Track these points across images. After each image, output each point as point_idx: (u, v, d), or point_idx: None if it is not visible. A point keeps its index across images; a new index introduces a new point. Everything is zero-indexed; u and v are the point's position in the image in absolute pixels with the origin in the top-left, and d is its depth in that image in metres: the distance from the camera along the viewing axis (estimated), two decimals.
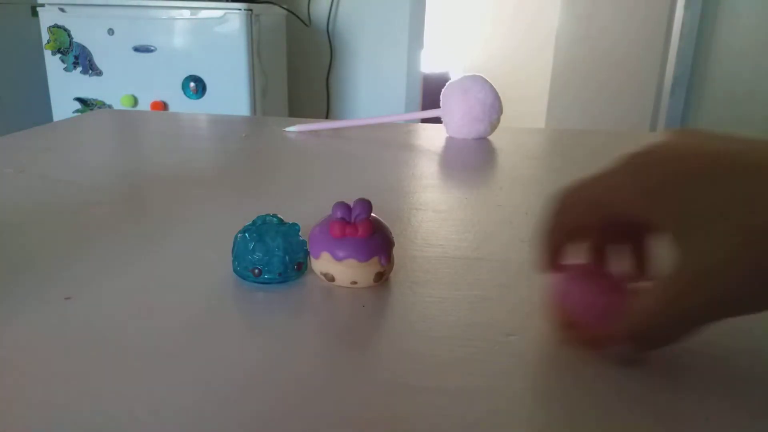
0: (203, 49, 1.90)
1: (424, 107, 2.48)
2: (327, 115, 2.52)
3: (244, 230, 0.36)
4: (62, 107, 1.98)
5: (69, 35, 1.92)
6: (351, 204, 0.35)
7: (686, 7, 2.43)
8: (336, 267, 0.34)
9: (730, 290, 0.23)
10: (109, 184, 0.56)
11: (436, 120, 0.84)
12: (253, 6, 1.88)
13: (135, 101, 1.97)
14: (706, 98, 2.49)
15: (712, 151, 0.24)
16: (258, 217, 0.36)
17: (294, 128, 0.83)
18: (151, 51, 1.91)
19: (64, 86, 1.97)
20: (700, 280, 0.24)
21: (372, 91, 2.50)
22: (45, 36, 1.92)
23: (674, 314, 0.25)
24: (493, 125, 0.80)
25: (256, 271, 0.34)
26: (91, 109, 1.97)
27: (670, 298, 0.25)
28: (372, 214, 0.35)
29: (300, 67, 2.48)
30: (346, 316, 0.32)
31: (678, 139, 0.26)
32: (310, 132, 0.83)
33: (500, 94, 0.81)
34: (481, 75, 0.81)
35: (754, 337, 0.30)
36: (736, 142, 0.25)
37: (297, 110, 2.52)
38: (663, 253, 0.26)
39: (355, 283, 0.35)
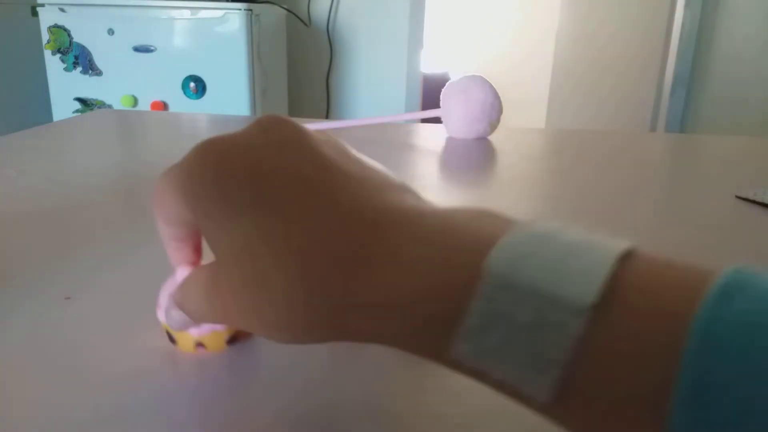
0: (203, 49, 1.90)
1: (424, 107, 2.48)
2: (327, 115, 2.52)
3: None
4: (62, 107, 1.98)
5: (69, 35, 1.92)
6: None
7: (686, 7, 2.43)
8: None
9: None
10: (109, 184, 0.56)
11: (436, 120, 0.84)
12: (253, 6, 1.88)
13: (135, 101, 1.97)
14: (706, 98, 2.49)
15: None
16: None
17: None
18: (151, 51, 1.91)
19: (64, 86, 1.97)
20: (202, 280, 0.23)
21: (372, 91, 2.50)
22: (45, 36, 1.92)
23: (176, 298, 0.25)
24: (493, 125, 0.80)
25: None
26: (91, 109, 1.97)
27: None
28: None
29: (300, 67, 2.48)
30: None
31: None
32: None
33: (500, 94, 0.81)
34: (481, 75, 0.81)
35: None
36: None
37: (297, 110, 2.52)
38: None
39: None
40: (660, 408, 0.14)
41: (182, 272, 0.27)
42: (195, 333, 0.27)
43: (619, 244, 0.16)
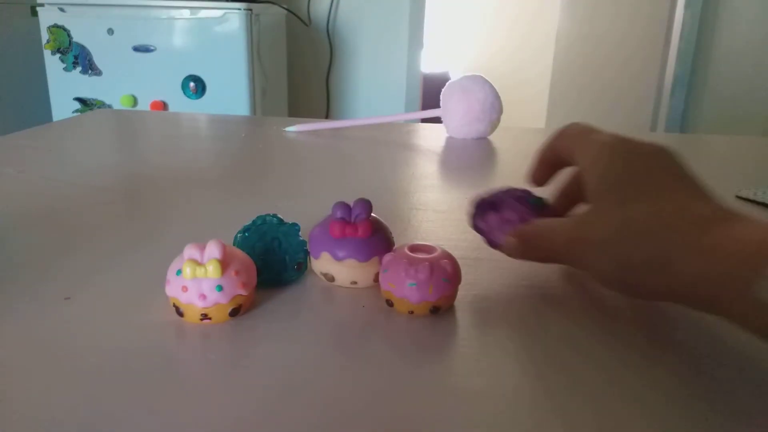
0: (203, 49, 1.90)
1: (424, 107, 2.48)
2: (327, 115, 2.52)
3: (244, 230, 0.36)
4: (62, 107, 1.98)
5: (69, 35, 1.92)
6: (351, 204, 0.35)
7: (686, 7, 2.43)
8: (336, 267, 0.34)
9: (587, 255, 0.29)
10: (108, 184, 0.56)
11: (436, 120, 0.84)
12: (253, 6, 1.88)
13: (135, 101, 1.97)
14: (706, 98, 2.49)
15: (677, 178, 0.29)
16: (258, 217, 0.36)
17: (294, 128, 0.83)
18: (151, 51, 1.91)
19: (64, 86, 1.97)
20: (570, 234, 0.30)
21: (372, 91, 2.50)
22: (45, 36, 1.92)
23: (537, 242, 0.32)
24: (493, 125, 0.80)
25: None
26: (91, 109, 1.97)
27: (538, 232, 0.32)
28: (372, 214, 0.35)
29: (300, 67, 2.48)
30: (346, 316, 0.32)
31: (670, 158, 0.30)
32: (310, 132, 0.83)
33: (500, 94, 0.81)
34: (481, 75, 0.81)
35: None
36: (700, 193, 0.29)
37: (297, 110, 2.52)
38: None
39: (355, 283, 0.34)
40: None
41: (189, 250, 0.30)
42: (200, 305, 0.30)
43: None
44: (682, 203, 0.27)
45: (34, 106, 2.12)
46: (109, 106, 1.98)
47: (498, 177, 0.64)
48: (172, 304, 0.31)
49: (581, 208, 0.33)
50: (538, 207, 0.35)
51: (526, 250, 0.33)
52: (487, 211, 0.36)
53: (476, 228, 0.37)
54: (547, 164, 0.35)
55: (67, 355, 0.27)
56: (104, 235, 0.43)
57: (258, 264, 0.33)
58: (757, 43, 2.26)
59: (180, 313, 0.31)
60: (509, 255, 0.34)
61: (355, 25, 2.42)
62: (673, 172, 0.29)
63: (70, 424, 0.23)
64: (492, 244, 0.36)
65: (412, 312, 0.32)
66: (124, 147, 0.75)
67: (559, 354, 0.29)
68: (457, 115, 0.79)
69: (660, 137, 0.89)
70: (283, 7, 2.26)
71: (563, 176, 0.37)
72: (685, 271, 0.26)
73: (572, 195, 0.36)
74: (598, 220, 0.29)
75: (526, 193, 0.36)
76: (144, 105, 1.97)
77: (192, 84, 1.91)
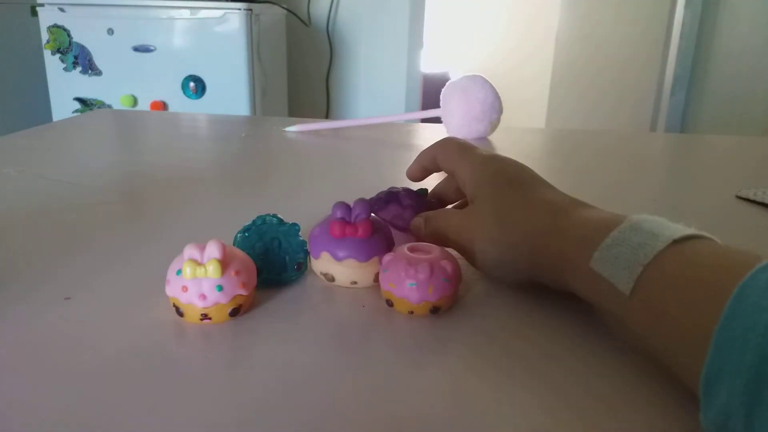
0: (203, 49, 1.90)
1: (424, 107, 2.48)
2: (327, 115, 2.52)
3: (244, 230, 0.36)
4: (62, 107, 1.98)
5: (69, 35, 1.92)
6: (351, 204, 0.35)
7: (686, 7, 2.43)
8: (336, 267, 0.34)
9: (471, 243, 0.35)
10: (108, 184, 0.56)
11: (436, 120, 0.84)
12: (253, 6, 1.88)
13: (134, 101, 1.97)
14: (706, 98, 2.49)
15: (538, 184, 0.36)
16: (258, 217, 0.36)
17: (294, 128, 0.83)
18: (151, 51, 1.91)
19: (64, 86, 1.97)
20: (458, 222, 0.36)
21: (372, 91, 2.50)
22: (45, 36, 1.92)
23: (436, 225, 0.38)
24: (493, 125, 0.80)
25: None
26: (91, 109, 1.97)
27: (437, 216, 0.38)
28: (372, 214, 0.35)
29: (300, 67, 2.48)
30: (346, 316, 0.32)
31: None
32: (310, 132, 0.83)
33: (500, 94, 0.81)
34: (481, 75, 0.81)
35: None
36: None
37: (297, 110, 2.52)
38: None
39: (355, 283, 0.34)
40: (703, 326, 0.22)
41: (190, 250, 0.30)
42: (200, 305, 0.30)
43: (694, 232, 0.26)
44: (540, 196, 0.34)
45: (34, 106, 2.12)
46: (109, 106, 1.98)
47: None
48: (172, 304, 0.31)
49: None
50: (423, 196, 0.43)
51: (428, 231, 0.38)
52: (386, 205, 0.42)
53: (382, 219, 0.42)
54: (424, 168, 0.43)
55: (67, 355, 0.27)
56: (104, 235, 0.43)
57: (258, 264, 0.33)
58: (757, 42, 2.26)
59: (180, 313, 0.31)
60: (416, 234, 0.39)
61: (355, 25, 2.42)
62: (533, 177, 0.36)
63: (70, 424, 0.23)
64: (397, 227, 0.41)
65: (412, 312, 0.32)
66: (124, 147, 0.75)
67: (559, 353, 0.29)
68: (457, 115, 0.79)
69: (660, 137, 0.89)
70: (283, 7, 2.26)
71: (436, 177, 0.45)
72: (543, 250, 0.31)
73: (442, 195, 0.44)
74: (477, 212, 0.36)
75: (409, 190, 0.43)
76: (144, 105, 1.97)
77: (192, 84, 1.92)
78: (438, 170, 0.43)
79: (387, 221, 0.41)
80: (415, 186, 0.44)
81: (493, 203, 0.35)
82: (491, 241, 0.34)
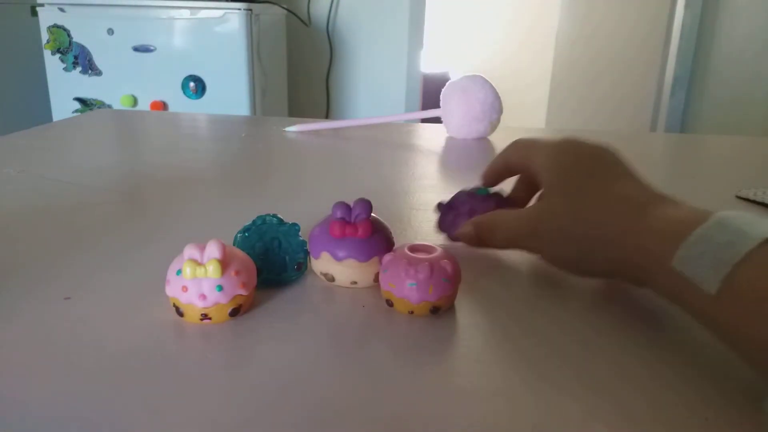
0: (203, 49, 1.90)
1: (424, 107, 2.48)
2: (327, 115, 2.52)
3: (244, 230, 0.36)
4: (62, 107, 1.98)
5: (69, 35, 1.92)
6: (351, 204, 0.35)
7: (686, 7, 2.43)
8: (336, 267, 0.34)
9: (540, 242, 0.35)
10: (108, 184, 0.56)
11: (436, 120, 0.84)
12: (253, 6, 1.88)
13: (134, 101, 1.97)
14: (706, 98, 2.49)
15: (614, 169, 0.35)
16: (258, 217, 0.36)
17: (294, 128, 0.83)
18: (151, 51, 1.91)
19: (64, 86, 1.97)
20: (532, 223, 0.35)
21: (372, 91, 2.50)
22: (44, 36, 1.92)
23: (494, 231, 0.37)
24: (493, 125, 0.80)
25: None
26: (91, 109, 1.97)
27: (494, 221, 0.37)
28: (372, 215, 0.35)
29: (300, 67, 2.48)
30: (346, 316, 0.32)
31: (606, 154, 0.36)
32: (310, 132, 0.83)
33: (500, 94, 0.81)
34: (481, 75, 0.81)
35: None
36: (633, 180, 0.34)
37: (297, 110, 2.52)
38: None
39: (355, 283, 0.34)
40: None
41: (189, 250, 0.30)
42: (200, 305, 0.30)
43: None
44: (622, 191, 0.32)
45: (34, 106, 2.12)
46: (109, 106, 1.98)
47: None
48: (172, 304, 0.31)
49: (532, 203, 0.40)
50: (485, 196, 0.42)
51: (482, 238, 0.38)
52: (446, 212, 0.42)
53: (441, 229, 0.42)
54: (496, 173, 0.42)
55: (67, 354, 0.27)
56: (104, 235, 0.43)
57: (258, 264, 0.33)
58: (757, 43, 2.26)
59: (180, 313, 0.31)
60: (466, 243, 0.39)
61: (355, 25, 2.42)
62: (613, 165, 0.35)
63: (70, 424, 0.23)
64: (453, 238, 0.41)
65: (412, 312, 0.32)
66: (124, 147, 0.75)
67: (559, 353, 0.29)
68: (457, 115, 0.79)
69: (660, 137, 0.89)
70: (283, 7, 2.26)
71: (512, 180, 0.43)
72: (625, 247, 0.30)
73: (521, 195, 0.43)
74: (555, 210, 0.34)
75: (476, 189, 0.43)
76: (144, 105, 1.97)
77: (192, 84, 1.92)
78: (512, 173, 0.42)
79: (444, 231, 0.42)
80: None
81: (568, 198, 0.34)
82: (564, 237, 0.33)
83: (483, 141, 0.80)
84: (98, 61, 1.94)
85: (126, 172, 0.61)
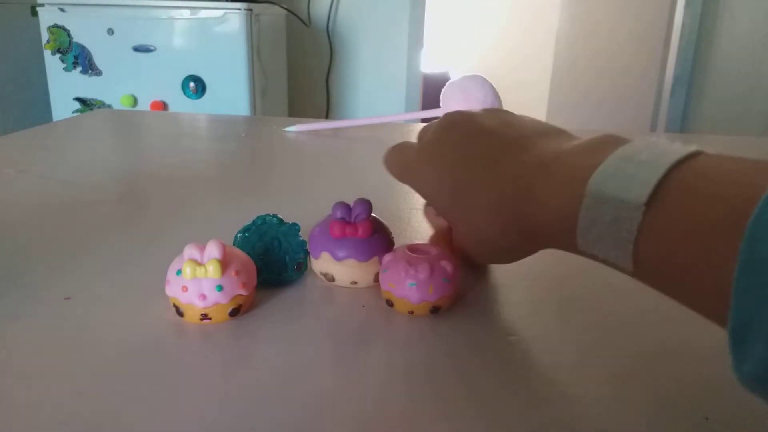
0: (203, 49, 1.90)
1: (424, 107, 2.48)
2: (327, 115, 2.52)
3: (243, 230, 0.36)
4: (62, 107, 1.98)
5: (69, 35, 1.92)
6: (351, 204, 0.35)
7: (686, 6, 2.43)
8: (336, 267, 0.34)
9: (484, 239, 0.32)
10: (108, 184, 0.56)
11: (436, 120, 0.84)
12: (253, 6, 1.88)
13: (135, 101, 1.97)
14: (706, 98, 2.49)
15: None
16: (258, 217, 0.36)
17: (294, 128, 0.83)
18: (151, 51, 1.91)
19: (64, 86, 1.97)
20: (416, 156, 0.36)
21: (372, 91, 2.50)
22: (45, 36, 1.92)
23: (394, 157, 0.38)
24: None
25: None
26: (91, 109, 1.97)
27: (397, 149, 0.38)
28: (372, 214, 0.35)
29: (300, 67, 2.48)
30: (346, 316, 0.32)
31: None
32: (310, 132, 0.83)
33: (500, 94, 0.80)
34: (481, 75, 0.81)
35: None
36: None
37: (297, 110, 2.52)
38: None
39: (355, 283, 0.34)
40: (719, 273, 0.19)
41: (189, 250, 0.30)
42: (200, 305, 0.30)
43: (683, 150, 0.23)
44: (496, 168, 0.31)
45: (34, 106, 2.12)
46: (109, 106, 1.98)
47: None
48: (172, 304, 0.31)
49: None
50: None
51: (388, 162, 0.38)
52: None
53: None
54: (444, 231, 0.39)
55: (67, 355, 0.27)
56: (104, 235, 0.43)
57: (258, 264, 0.33)
58: (757, 43, 2.26)
59: (180, 313, 0.31)
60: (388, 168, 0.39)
61: (355, 25, 2.42)
62: (475, 134, 0.34)
63: (70, 424, 0.23)
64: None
65: (412, 312, 0.32)
66: (124, 147, 0.75)
67: (559, 353, 0.29)
68: None
69: (660, 137, 0.89)
70: (283, 7, 2.26)
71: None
72: (521, 220, 0.29)
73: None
74: (446, 213, 0.34)
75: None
76: (144, 105, 1.97)
77: (192, 84, 1.92)
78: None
79: None
80: None
81: (448, 194, 0.33)
82: (467, 233, 0.33)
83: None
84: (98, 61, 1.94)
85: (126, 172, 0.61)
